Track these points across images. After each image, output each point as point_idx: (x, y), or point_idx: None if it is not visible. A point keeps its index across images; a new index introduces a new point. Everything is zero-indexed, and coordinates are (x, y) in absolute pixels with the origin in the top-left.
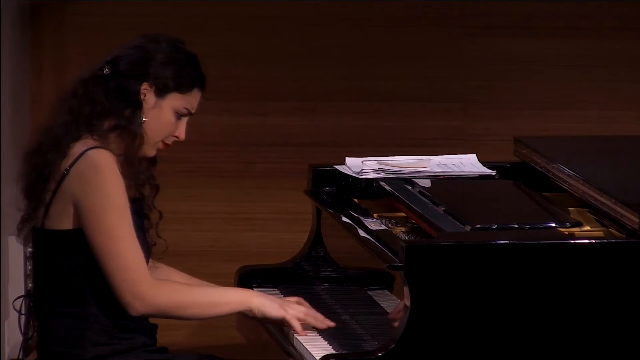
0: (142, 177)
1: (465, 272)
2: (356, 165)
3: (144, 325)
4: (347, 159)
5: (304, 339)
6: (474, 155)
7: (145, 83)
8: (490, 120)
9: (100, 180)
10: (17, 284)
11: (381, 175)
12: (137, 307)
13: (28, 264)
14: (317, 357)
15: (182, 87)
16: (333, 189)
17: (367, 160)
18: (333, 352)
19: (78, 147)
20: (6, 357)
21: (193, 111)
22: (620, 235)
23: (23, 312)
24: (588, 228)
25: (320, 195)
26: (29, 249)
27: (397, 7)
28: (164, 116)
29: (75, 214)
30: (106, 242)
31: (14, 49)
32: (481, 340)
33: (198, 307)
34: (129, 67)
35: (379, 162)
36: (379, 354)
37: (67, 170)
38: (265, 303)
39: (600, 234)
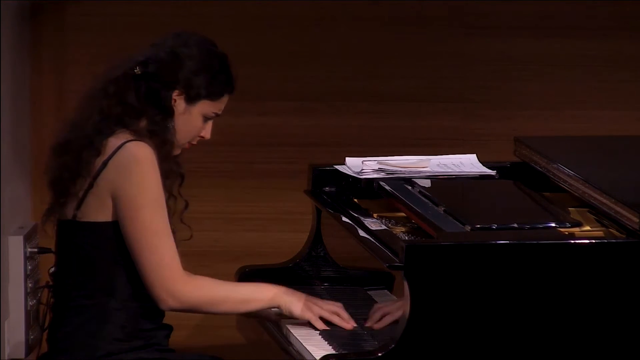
0: (170, 172)
1: (465, 272)
2: (356, 165)
3: (161, 326)
4: (347, 159)
5: (304, 339)
6: (474, 155)
7: (176, 90)
8: (490, 120)
9: (139, 173)
10: (17, 284)
11: (381, 175)
12: (170, 303)
13: (28, 264)
14: (317, 357)
15: (212, 95)
16: (333, 189)
17: (367, 160)
18: (333, 352)
19: (114, 142)
20: (6, 357)
21: (220, 113)
22: (620, 235)
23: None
24: (588, 228)
25: (320, 195)
26: (29, 249)
27: (398, 7)
28: (192, 121)
29: (112, 207)
30: (142, 236)
31: (14, 49)
32: (481, 340)
33: (228, 304)
34: (160, 73)
35: (379, 162)
36: (379, 354)
37: (105, 163)
38: (293, 301)
39: (600, 234)
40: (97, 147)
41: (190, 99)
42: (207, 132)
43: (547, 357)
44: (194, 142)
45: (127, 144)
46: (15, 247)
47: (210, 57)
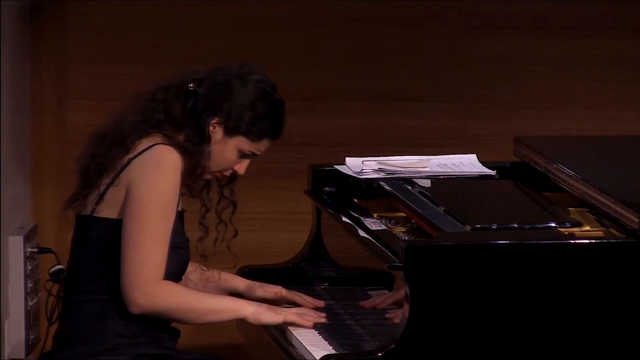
0: (196, 193)
1: (465, 272)
2: (356, 165)
3: (168, 328)
4: (347, 159)
5: (304, 339)
6: (474, 155)
7: (216, 118)
8: (490, 120)
9: (157, 173)
10: (17, 284)
11: (381, 175)
12: (141, 302)
13: (28, 264)
14: (317, 357)
15: (251, 135)
16: (333, 189)
17: (367, 160)
18: (333, 352)
19: (145, 143)
20: (6, 357)
21: (258, 154)
22: (620, 235)
23: (53, 294)
24: (588, 228)
25: (320, 195)
26: (29, 249)
27: (397, 7)
28: (227, 153)
29: (124, 202)
30: (137, 233)
31: (14, 49)
32: (481, 340)
33: (195, 313)
34: (208, 96)
35: (379, 162)
36: (379, 354)
37: (130, 161)
38: (260, 311)
39: (600, 234)
40: (127, 146)
41: (229, 131)
42: (240, 168)
43: (547, 357)
44: (227, 174)
45: (157, 146)
46: (15, 247)
47: (262, 98)
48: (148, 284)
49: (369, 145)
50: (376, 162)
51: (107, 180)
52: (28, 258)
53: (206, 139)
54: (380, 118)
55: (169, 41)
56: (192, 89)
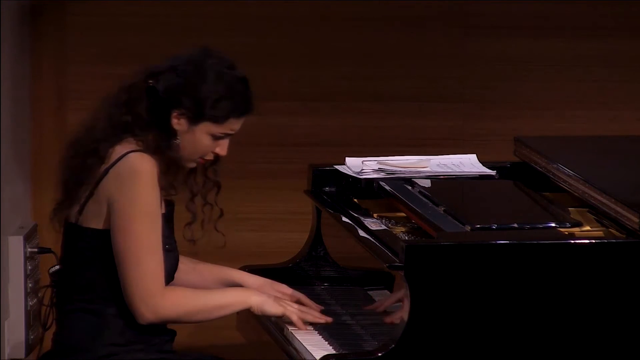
0: (178, 190)
1: (465, 272)
2: (356, 165)
3: (164, 331)
4: (347, 159)
5: (304, 339)
6: (474, 155)
7: (175, 111)
8: (490, 120)
9: (136, 185)
10: (17, 284)
11: (381, 175)
12: (148, 316)
13: (28, 264)
14: (317, 357)
15: (215, 119)
16: (333, 189)
17: (367, 160)
18: (333, 352)
19: (119, 150)
20: (6, 357)
21: (233, 133)
22: (620, 235)
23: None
24: (588, 228)
25: (320, 195)
26: (29, 249)
27: (397, 7)
28: (198, 140)
29: (107, 215)
30: (129, 247)
31: (14, 49)
32: (481, 340)
33: (203, 313)
34: (166, 91)
35: (379, 162)
36: (379, 354)
37: (106, 172)
38: (264, 301)
39: (600, 234)
40: (102, 155)
41: (192, 120)
42: (222, 149)
43: (547, 357)
44: (209, 158)
45: (130, 154)
46: (15, 247)
47: (218, 80)
48: (153, 296)
49: (369, 145)
50: (376, 162)
51: (86, 193)
52: (28, 258)
53: (173, 133)
54: (380, 118)
55: (169, 41)
56: (151, 85)
